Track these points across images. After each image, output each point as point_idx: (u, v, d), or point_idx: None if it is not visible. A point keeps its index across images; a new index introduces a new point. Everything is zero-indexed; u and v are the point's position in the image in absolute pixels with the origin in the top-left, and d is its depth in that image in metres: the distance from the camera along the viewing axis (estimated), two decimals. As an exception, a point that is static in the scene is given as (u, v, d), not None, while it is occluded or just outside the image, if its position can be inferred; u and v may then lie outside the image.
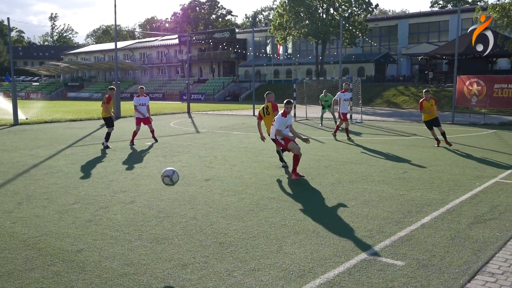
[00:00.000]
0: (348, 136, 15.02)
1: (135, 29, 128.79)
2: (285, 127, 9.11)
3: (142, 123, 14.66)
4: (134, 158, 11.85)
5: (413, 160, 11.04)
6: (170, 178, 6.29)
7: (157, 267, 4.73)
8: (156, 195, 7.73)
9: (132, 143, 14.38)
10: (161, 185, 8.47)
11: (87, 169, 10.24)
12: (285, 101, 9.12)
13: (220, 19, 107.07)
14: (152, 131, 14.96)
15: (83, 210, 6.85)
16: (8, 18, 23.98)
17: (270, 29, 49.98)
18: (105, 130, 14.56)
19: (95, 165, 10.78)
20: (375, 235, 5.63)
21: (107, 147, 13.61)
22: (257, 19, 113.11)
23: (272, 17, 55.42)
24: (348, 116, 15.73)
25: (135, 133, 14.58)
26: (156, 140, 14.90)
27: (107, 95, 14.05)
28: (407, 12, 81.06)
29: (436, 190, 7.88)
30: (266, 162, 10.83)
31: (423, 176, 9.05)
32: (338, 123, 15.23)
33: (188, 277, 4.50)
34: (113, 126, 14.03)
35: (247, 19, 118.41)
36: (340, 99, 15.25)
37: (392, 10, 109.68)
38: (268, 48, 53.55)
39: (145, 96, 14.80)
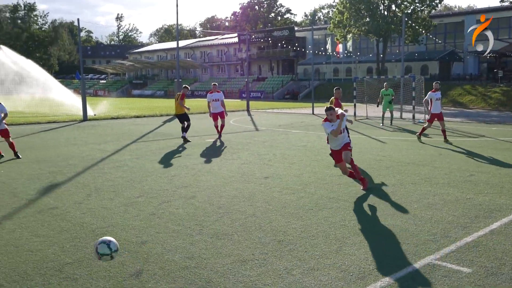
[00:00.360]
0: (445, 138, 14.02)
1: (196, 28, 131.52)
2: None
3: (218, 117, 15.36)
4: (195, 154, 12.11)
5: (481, 162, 10.55)
6: (108, 250, 4.17)
7: (217, 262, 4.81)
8: (216, 191, 7.86)
9: (220, 135, 15.40)
10: (221, 181, 8.63)
11: (150, 164, 10.59)
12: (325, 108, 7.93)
13: (279, 18, 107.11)
14: (222, 127, 15.52)
15: (147, 204, 7.10)
16: (78, 19, 25.20)
17: (330, 27, 49.38)
18: (168, 126, 15.02)
19: (158, 160, 11.13)
20: (439, 239, 5.44)
21: (185, 138, 14.43)
22: (316, 17, 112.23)
23: (332, 15, 54.74)
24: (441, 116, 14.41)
25: (216, 127, 15.50)
26: (219, 136, 15.29)
27: (180, 93, 14.64)
28: (474, 8, 77.54)
29: (506, 195, 7.49)
30: (325, 161, 10.72)
31: (492, 180, 8.62)
32: (426, 125, 14.30)
33: (247, 273, 4.55)
34: (188, 120, 14.69)
35: (306, 17, 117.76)
36: (431, 99, 14.25)
37: (458, 6, 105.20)
38: (328, 46, 52.95)
39: (218, 92, 15.32)
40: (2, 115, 11.29)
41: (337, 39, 49.12)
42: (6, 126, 11.48)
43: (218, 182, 8.60)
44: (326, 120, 7.79)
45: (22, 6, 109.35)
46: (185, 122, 14.57)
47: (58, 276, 4.49)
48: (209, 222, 6.15)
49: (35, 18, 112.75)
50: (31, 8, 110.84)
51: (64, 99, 30.69)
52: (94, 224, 6.13)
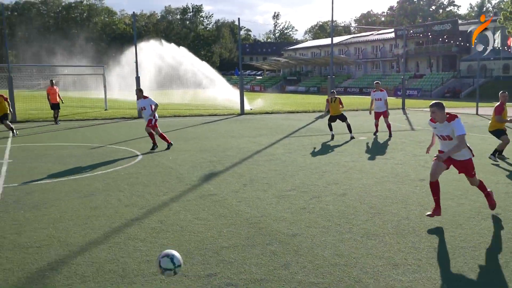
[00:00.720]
0: None
1: (350, 24, 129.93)
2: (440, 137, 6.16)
3: (381, 116, 15.03)
4: (347, 151, 11.99)
5: None
6: (172, 266, 3.87)
7: (367, 263, 4.71)
8: (367, 190, 7.69)
9: (390, 134, 14.95)
10: (373, 180, 8.42)
11: (302, 159, 10.78)
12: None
13: (440, 10, 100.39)
14: (388, 126, 15.10)
15: (298, 197, 7.25)
16: (238, 19, 26.87)
17: (500, 19, 44.71)
18: (320, 122, 15.14)
19: (310, 156, 11.28)
20: None
21: (353, 137, 14.41)
22: (484, 8, 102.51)
23: (503, 5, 49.46)
24: None
25: (376, 125, 15.22)
26: (390, 135, 14.86)
27: (334, 97, 14.57)
28: None
29: None
30: (490, 167, 9.76)
31: None
32: None
33: (399, 278, 4.37)
34: (346, 119, 14.67)
35: (471, 9, 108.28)
36: None
37: None
38: (497, 40, 47.99)
39: (381, 91, 14.97)
40: (153, 107, 12.06)
41: (509, 32, 44.23)
42: (153, 117, 12.04)
43: (370, 181, 8.40)
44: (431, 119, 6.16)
45: (191, 8, 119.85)
46: (344, 122, 14.61)
47: (216, 258, 4.83)
48: (359, 221, 6.05)
49: (201, 19, 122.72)
50: (198, 10, 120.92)
51: (227, 93, 32.89)
52: (248, 213, 6.46)
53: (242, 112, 25.01)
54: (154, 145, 12.11)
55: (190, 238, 5.44)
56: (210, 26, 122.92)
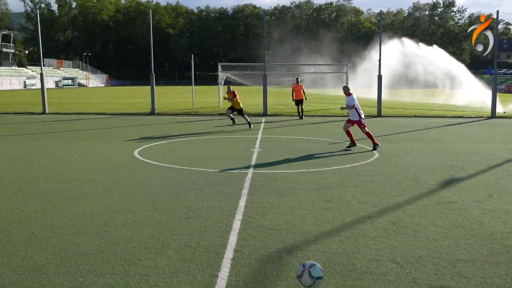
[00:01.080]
0: None
1: None
2: None
3: None
4: None
5: None
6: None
7: None
8: None
9: None
10: None
11: None
12: None
13: None
14: None
15: (559, 218, 6.15)
16: (497, 11, 24.03)
17: None
18: None
19: None
20: None
21: None
22: None
23: None
24: None
25: None
26: None
27: None
28: None
29: None
30: None
31: None
32: None
33: None
34: None
35: None
36: None
37: None
38: None
39: None
40: (348, 105, 11.69)
41: None
42: (359, 117, 11.72)
43: None
44: None
45: (441, 3, 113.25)
46: None
47: (450, 270, 4.48)
48: None
49: (452, 14, 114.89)
50: (450, 4, 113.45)
51: (478, 94, 30.22)
52: (493, 227, 5.78)
53: (493, 115, 22.49)
54: (376, 145, 11.89)
55: (424, 245, 5.16)
56: (462, 21, 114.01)
